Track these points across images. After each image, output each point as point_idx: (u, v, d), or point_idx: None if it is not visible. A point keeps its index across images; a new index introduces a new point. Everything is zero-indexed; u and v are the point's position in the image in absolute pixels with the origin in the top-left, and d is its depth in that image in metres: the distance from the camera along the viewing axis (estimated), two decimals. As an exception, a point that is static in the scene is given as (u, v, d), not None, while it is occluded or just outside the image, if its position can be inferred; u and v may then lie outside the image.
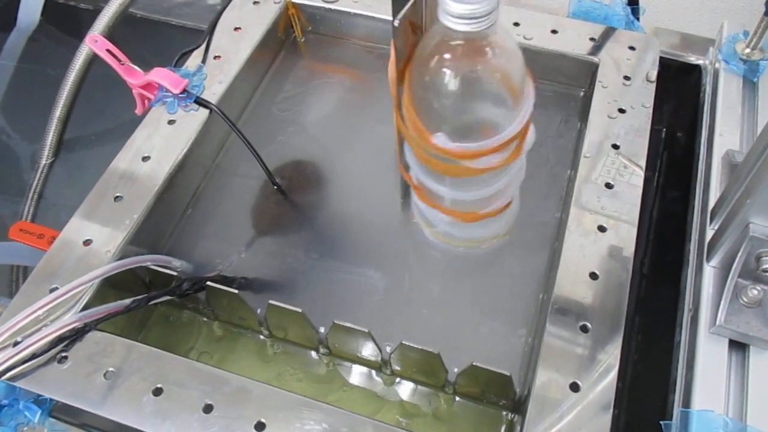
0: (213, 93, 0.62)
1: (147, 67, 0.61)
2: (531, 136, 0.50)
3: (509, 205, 0.56)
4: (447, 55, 0.43)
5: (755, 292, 0.45)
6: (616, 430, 0.50)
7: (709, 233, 0.51)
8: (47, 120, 0.74)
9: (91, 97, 0.75)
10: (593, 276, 0.50)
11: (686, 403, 0.44)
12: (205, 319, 0.57)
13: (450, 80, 0.44)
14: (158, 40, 0.85)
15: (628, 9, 0.68)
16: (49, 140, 0.74)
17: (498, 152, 0.46)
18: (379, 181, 0.64)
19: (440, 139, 0.46)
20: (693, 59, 0.68)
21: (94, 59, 0.71)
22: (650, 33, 0.68)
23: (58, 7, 0.91)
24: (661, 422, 0.44)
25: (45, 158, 0.75)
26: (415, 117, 0.46)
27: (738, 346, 0.46)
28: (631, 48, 0.65)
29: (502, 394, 0.50)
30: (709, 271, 0.49)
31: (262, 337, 0.56)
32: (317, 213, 0.62)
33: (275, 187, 0.63)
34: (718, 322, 0.46)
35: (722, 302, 0.46)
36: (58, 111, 0.73)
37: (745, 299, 0.46)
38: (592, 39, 0.66)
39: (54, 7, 0.91)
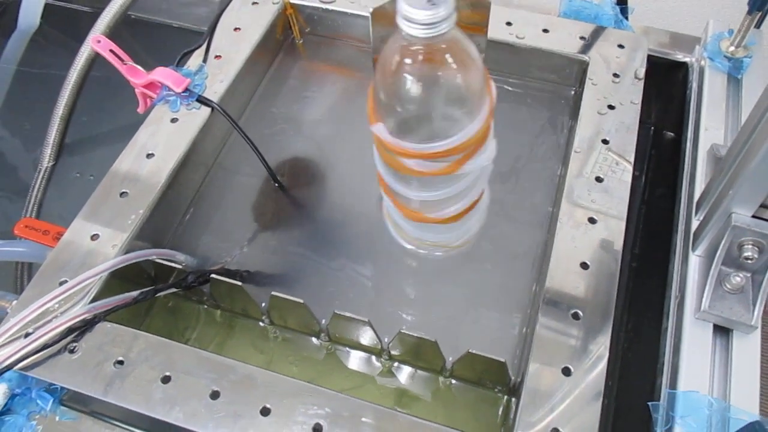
0: (214, 92, 0.64)
1: (146, 68, 0.63)
2: (489, 152, 0.48)
3: (464, 215, 0.54)
4: (406, 60, 0.42)
5: (738, 279, 0.47)
6: (606, 412, 0.52)
7: (695, 224, 0.53)
8: (48, 122, 0.75)
9: (90, 102, 0.77)
10: (584, 266, 0.52)
11: (673, 384, 0.46)
12: (206, 307, 0.59)
13: (408, 84, 0.43)
14: (156, 42, 0.87)
15: (617, 8, 0.70)
16: (51, 139, 0.75)
17: (438, 159, 0.45)
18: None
19: (378, 128, 0.45)
20: (680, 57, 0.70)
21: (94, 61, 0.73)
22: (639, 32, 0.70)
23: (58, 10, 0.93)
24: (649, 403, 0.46)
25: (47, 160, 0.76)
26: (371, 103, 0.47)
27: (722, 331, 0.48)
28: (620, 46, 0.67)
29: (498, 380, 0.52)
30: (695, 260, 0.51)
31: (262, 324, 0.58)
32: (317, 209, 0.64)
33: (276, 184, 0.65)
34: (702, 308, 0.48)
35: (707, 289, 0.48)
36: (61, 110, 0.74)
37: (728, 286, 0.48)
38: (582, 38, 0.68)
39: (54, 10, 0.92)
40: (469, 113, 0.45)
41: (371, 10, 0.46)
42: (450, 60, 0.42)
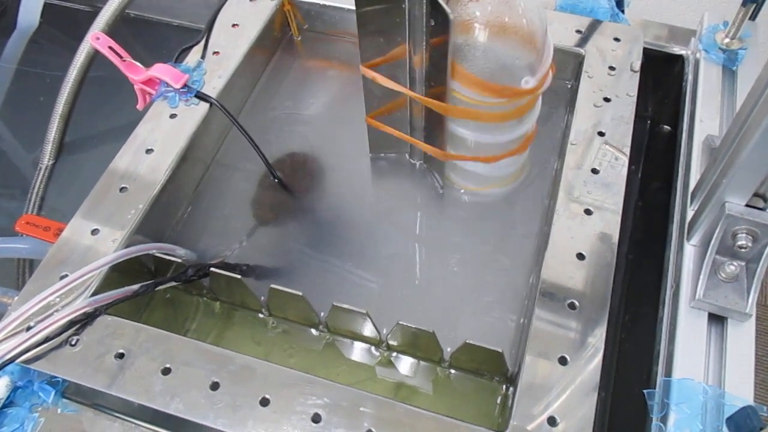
0: (213, 87, 0.64)
1: (145, 65, 0.63)
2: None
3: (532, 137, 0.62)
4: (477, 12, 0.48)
5: (732, 267, 0.48)
6: (603, 401, 0.53)
7: (690, 214, 0.53)
8: (48, 121, 0.75)
9: (90, 101, 0.77)
10: (580, 256, 0.53)
11: (668, 372, 0.46)
12: (205, 299, 0.60)
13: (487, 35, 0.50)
14: (155, 40, 0.87)
15: (613, 2, 0.71)
16: (51, 137, 0.76)
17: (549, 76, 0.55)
18: (376, 172, 0.66)
19: (529, 82, 0.52)
20: (676, 50, 0.70)
21: (93, 59, 0.73)
22: (634, 25, 0.70)
23: (57, 9, 0.93)
24: (645, 390, 0.46)
25: (48, 158, 0.76)
26: (485, 83, 0.52)
27: (717, 319, 0.49)
28: (616, 39, 0.67)
29: (496, 370, 0.52)
30: (690, 250, 0.52)
31: (261, 315, 0.58)
32: (316, 203, 0.65)
33: (275, 179, 0.65)
34: (697, 297, 0.48)
35: (701, 278, 0.48)
36: (60, 108, 0.75)
37: (723, 275, 0.48)
38: (578, 31, 0.68)
39: (53, 9, 0.92)
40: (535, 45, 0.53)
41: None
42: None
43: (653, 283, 0.56)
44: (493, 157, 0.59)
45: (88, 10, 0.92)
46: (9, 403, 0.49)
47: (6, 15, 0.93)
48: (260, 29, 0.71)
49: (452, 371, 0.54)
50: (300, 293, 0.52)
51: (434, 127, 0.59)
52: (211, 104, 0.63)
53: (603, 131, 0.60)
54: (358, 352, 0.56)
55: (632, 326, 0.60)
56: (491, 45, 0.51)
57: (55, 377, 0.49)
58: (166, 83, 0.62)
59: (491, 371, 0.53)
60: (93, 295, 0.51)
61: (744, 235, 0.46)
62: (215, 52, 0.68)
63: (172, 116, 0.63)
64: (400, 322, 0.50)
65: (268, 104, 0.72)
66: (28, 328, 0.49)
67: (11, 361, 0.47)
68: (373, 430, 0.45)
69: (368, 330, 0.54)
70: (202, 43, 0.67)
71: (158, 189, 0.58)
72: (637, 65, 0.65)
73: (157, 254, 0.56)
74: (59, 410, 0.49)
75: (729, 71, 0.64)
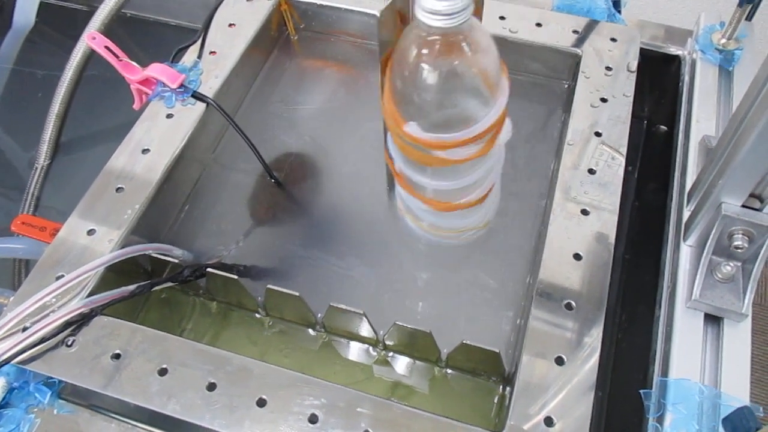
0: (209, 87, 0.64)
1: (141, 65, 0.63)
2: (507, 130, 0.51)
3: (487, 196, 0.56)
4: (424, 50, 0.43)
5: (728, 268, 0.48)
6: (600, 401, 0.53)
7: (686, 214, 0.53)
8: (44, 121, 0.75)
9: (86, 100, 0.77)
10: (577, 257, 0.53)
11: (664, 372, 0.47)
12: (202, 299, 0.60)
13: (427, 75, 0.44)
14: (151, 39, 0.87)
15: (610, 2, 0.71)
16: (47, 137, 0.76)
17: (471, 144, 0.47)
18: (373, 173, 0.66)
19: (412, 128, 0.46)
20: (672, 50, 0.70)
21: (90, 58, 0.73)
22: (631, 25, 0.71)
23: (53, 8, 0.93)
24: (641, 391, 0.46)
25: (44, 158, 0.76)
26: (391, 106, 0.48)
27: (713, 320, 0.49)
28: (613, 40, 0.68)
29: (493, 370, 0.52)
30: (686, 250, 0.52)
31: (258, 315, 0.58)
32: (313, 204, 0.65)
33: (272, 180, 0.65)
34: (694, 297, 0.48)
35: (698, 278, 0.48)
36: (56, 108, 0.74)
37: (719, 275, 0.48)
38: (575, 31, 0.68)
39: (49, 8, 0.92)
40: (492, 92, 0.47)
41: (379, 12, 0.46)
42: (472, 47, 0.44)
43: (650, 283, 0.56)
44: (412, 190, 0.55)
45: (84, 10, 0.92)
46: (5, 404, 0.49)
47: (1, 14, 0.92)
48: (257, 29, 0.70)
49: (449, 371, 0.55)
50: (297, 293, 0.52)
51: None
52: (208, 104, 0.63)
53: (600, 131, 0.60)
54: (355, 352, 0.56)
55: (629, 326, 0.60)
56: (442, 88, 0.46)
57: (51, 378, 0.49)
58: (163, 83, 0.62)
59: (488, 371, 0.53)
60: (89, 295, 0.51)
61: (740, 235, 0.47)
62: (212, 52, 0.67)
63: (169, 116, 0.62)
64: (397, 322, 0.50)
65: (264, 104, 0.72)
66: (24, 329, 0.48)
67: (7, 362, 0.47)
68: (370, 430, 0.45)
69: (365, 330, 0.54)
70: (199, 42, 0.67)
71: (155, 189, 0.58)
72: (634, 65, 0.65)
73: (154, 254, 0.56)
74: (55, 411, 0.49)
75: (725, 72, 0.64)
